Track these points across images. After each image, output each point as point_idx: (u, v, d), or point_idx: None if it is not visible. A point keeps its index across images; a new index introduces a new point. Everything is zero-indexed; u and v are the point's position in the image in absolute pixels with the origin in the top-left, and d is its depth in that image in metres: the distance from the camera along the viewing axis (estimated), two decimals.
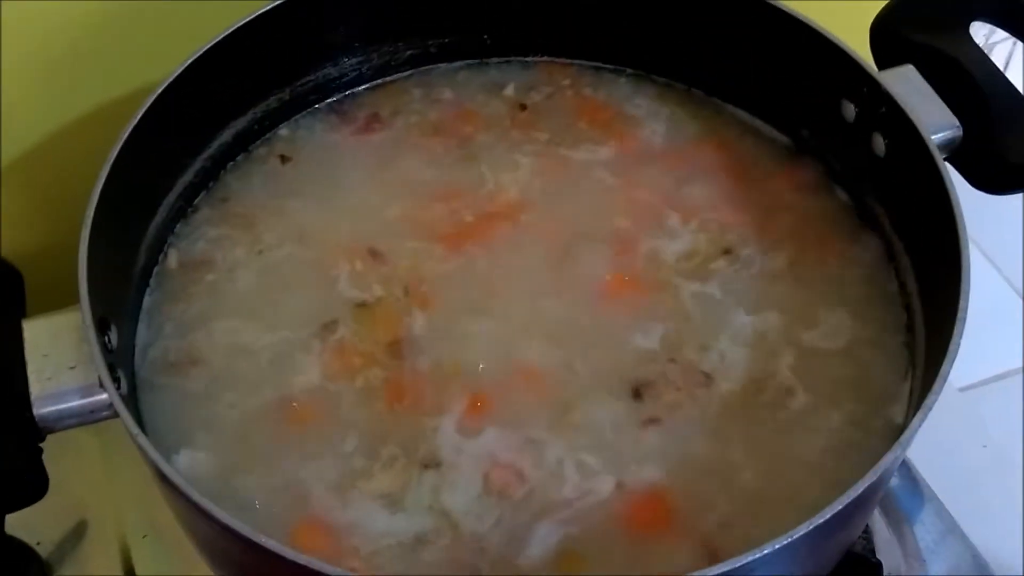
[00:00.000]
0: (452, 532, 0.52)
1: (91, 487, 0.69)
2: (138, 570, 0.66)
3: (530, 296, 0.60)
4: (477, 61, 0.71)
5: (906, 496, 0.71)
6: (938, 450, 0.73)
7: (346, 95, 0.69)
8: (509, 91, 0.70)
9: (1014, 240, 0.96)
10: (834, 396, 0.57)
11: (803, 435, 0.55)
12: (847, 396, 0.57)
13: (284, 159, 0.66)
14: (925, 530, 0.70)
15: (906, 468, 0.72)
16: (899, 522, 0.70)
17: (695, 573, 0.42)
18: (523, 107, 0.68)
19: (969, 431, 0.76)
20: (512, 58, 0.71)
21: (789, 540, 0.43)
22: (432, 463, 0.54)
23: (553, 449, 0.54)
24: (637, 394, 0.56)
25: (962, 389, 0.87)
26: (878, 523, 0.69)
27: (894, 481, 0.71)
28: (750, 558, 0.43)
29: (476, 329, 0.59)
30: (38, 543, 0.66)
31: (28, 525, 0.64)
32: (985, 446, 0.76)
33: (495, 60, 0.71)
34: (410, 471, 0.54)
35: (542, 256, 0.62)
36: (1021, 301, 0.97)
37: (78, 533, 0.68)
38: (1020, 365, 0.93)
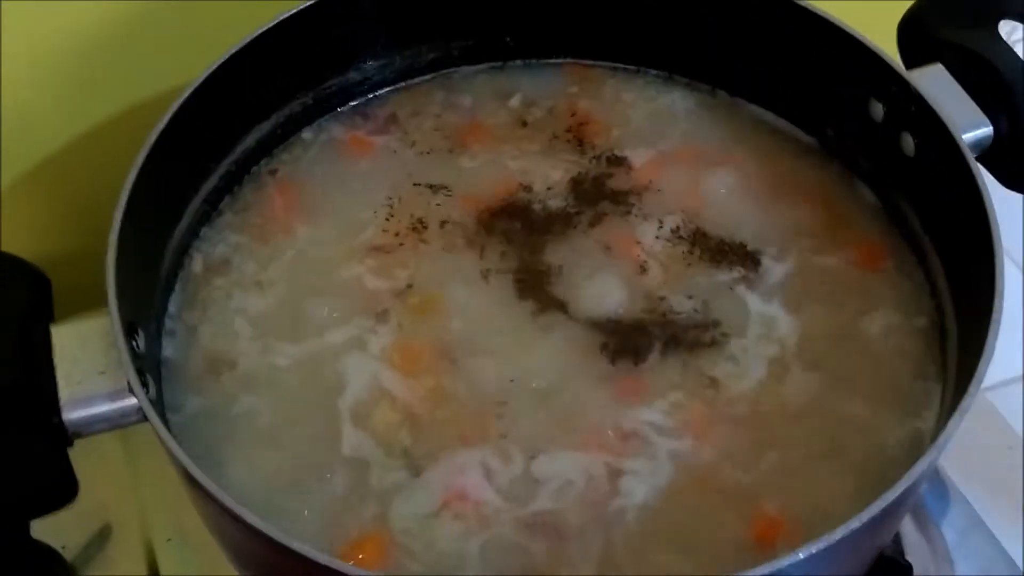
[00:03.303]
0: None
1: (116, 491, 0.69)
2: (163, 572, 0.66)
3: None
4: (500, 64, 0.71)
5: (933, 496, 0.71)
6: (961, 450, 0.71)
7: (369, 98, 0.69)
8: (515, 102, 0.69)
9: None
10: (860, 399, 0.56)
11: (831, 438, 0.55)
12: (873, 399, 0.56)
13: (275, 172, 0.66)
14: (952, 530, 0.69)
15: (933, 468, 0.71)
16: (927, 523, 0.69)
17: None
18: (524, 124, 0.68)
19: (993, 431, 0.76)
20: (533, 60, 0.71)
21: (827, 543, 0.43)
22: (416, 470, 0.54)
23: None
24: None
25: (984, 389, 0.86)
26: (907, 525, 0.68)
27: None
28: (786, 562, 0.43)
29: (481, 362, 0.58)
30: (63, 547, 0.66)
31: (53, 529, 0.63)
32: (1011, 447, 0.75)
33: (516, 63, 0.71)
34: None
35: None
36: None
37: (103, 537, 0.68)
38: None
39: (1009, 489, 0.72)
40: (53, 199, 0.72)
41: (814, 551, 0.43)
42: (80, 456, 0.52)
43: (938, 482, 0.72)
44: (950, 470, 0.72)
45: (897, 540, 0.66)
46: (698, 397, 0.56)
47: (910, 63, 0.61)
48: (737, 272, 0.60)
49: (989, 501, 0.71)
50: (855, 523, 0.44)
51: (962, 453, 0.72)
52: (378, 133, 0.68)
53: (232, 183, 0.65)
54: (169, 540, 0.67)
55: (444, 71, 0.70)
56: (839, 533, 0.43)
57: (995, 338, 0.49)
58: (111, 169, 0.55)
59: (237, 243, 0.63)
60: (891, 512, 0.46)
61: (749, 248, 0.61)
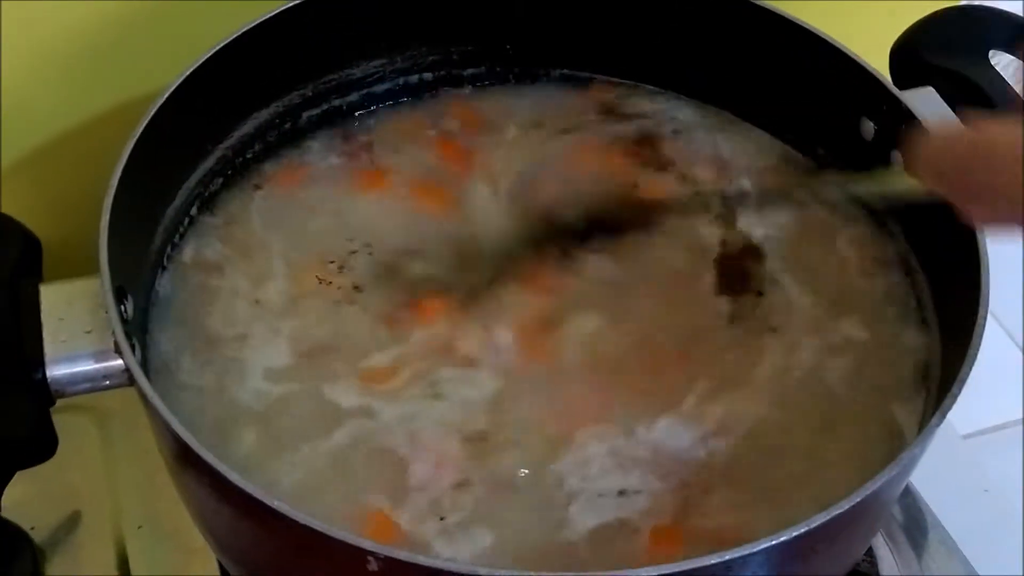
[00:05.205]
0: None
1: (88, 477, 0.69)
2: (132, 561, 0.65)
3: None
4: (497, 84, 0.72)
5: (915, 531, 0.71)
6: (943, 492, 0.73)
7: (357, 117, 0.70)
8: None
9: (1015, 295, 0.97)
10: (839, 418, 0.57)
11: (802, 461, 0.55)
12: (853, 414, 0.57)
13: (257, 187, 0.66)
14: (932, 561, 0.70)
15: (919, 509, 0.72)
16: (909, 560, 0.70)
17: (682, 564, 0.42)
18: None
19: (972, 476, 0.77)
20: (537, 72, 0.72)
21: (777, 541, 0.43)
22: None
23: None
24: None
25: (965, 436, 0.87)
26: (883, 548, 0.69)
27: (903, 518, 0.72)
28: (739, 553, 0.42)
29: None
30: (32, 528, 0.65)
31: (23, 510, 0.63)
32: (987, 490, 0.76)
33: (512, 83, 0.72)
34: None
35: None
36: (1021, 355, 0.98)
37: (73, 522, 0.67)
38: (1020, 417, 0.94)
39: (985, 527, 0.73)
40: (39, 191, 0.71)
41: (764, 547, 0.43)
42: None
43: (920, 517, 0.72)
44: (935, 508, 0.73)
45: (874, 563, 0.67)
46: None
47: (901, 86, 0.62)
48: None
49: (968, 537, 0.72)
50: (800, 528, 0.43)
51: (942, 493, 0.73)
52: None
53: (227, 167, 0.65)
54: (140, 527, 0.66)
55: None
56: (786, 534, 0.43)
57: (976, 349, 0.49)
58: (102, 163, 0.55)
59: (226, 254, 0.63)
60: (858, 516, 0.46)
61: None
